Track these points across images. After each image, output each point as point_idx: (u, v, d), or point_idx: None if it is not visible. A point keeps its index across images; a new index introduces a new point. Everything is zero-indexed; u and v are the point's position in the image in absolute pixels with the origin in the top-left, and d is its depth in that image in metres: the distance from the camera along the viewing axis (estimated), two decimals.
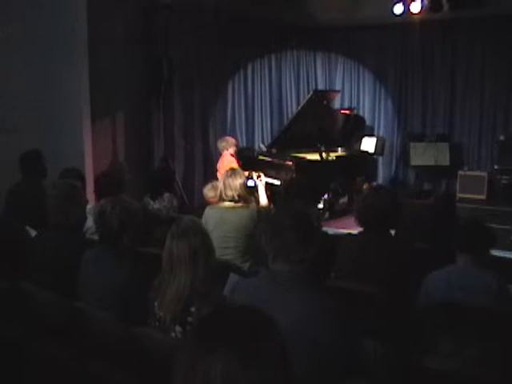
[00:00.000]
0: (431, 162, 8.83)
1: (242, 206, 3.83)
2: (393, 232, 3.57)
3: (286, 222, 2.01)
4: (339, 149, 7.88)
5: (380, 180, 9.31)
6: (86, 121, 5.94)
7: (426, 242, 3.68)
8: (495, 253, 3.14)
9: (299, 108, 7.72)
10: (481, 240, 2.82)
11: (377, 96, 9.73)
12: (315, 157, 7.20)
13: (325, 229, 4.34)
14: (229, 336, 1.02)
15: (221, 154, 6.89)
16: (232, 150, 6.76)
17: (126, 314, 2.33)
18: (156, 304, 2.32)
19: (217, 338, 1.02)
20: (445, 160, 8.81)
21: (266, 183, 4.66)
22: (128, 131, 6.87)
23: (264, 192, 4.44)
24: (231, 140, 6.90)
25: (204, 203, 4.58)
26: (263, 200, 4.43)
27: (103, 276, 2.56)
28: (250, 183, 4.08)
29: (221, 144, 6.85)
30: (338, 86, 9.86)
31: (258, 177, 4.38)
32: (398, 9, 7.86)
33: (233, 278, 3.33)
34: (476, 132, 9.03)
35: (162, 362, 2.00)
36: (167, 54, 6.91)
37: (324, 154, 7.16)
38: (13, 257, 3.00)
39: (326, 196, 7.27)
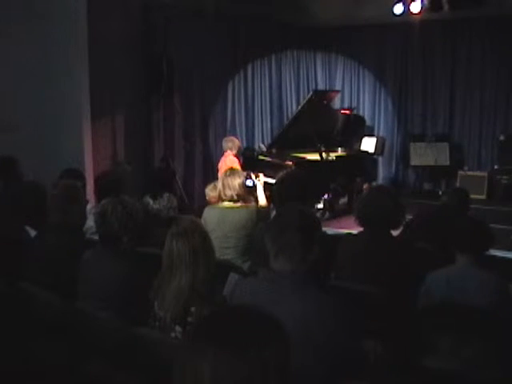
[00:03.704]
0: (431, 162, 8.83)
1: (241, 206, 3.82)
2: (397, 232, 3.56)
3: (292, 221, 2.01)
4: (339, 149, 7.88)
5: (380, 180, 9.30)
6: (85, 121, 5.94)
7: (436, 242, 3.65)
8: (495, 253, 3.14)
9: (299, 108, 7.71)
10: (480, 240, 2.82)
11: (377, 96, 9.72)
12: (315, 157, 7.20)
13: (325, 229, 4.34)
14: (219, 336, 1.02)
15: (222, 154, 6.88)
16: (235, 152, 6.75)
17: (126, 314, 2.33)
18: (156, 304, 2.32)
19: (207, 338, 1.02)
20: (445, 160, 8.80)
21: (265, 183, 4.65)
22: (128, 131, 6.87)
23: (262, 192, 4.44)
24: (237, 142, 6.88)
25: (204, 203, 4.58)
26: (262, 200, 4.42)
27: (103, 276, 2.57)
28: (249, 183, 4.07)
29: (226, 143, 6.80)
30: (337, 86, 9.85)
31: (257, 176, 4.38)
32: (398, 9, 7.86)
33: (233, 277, 3.33)
34: (476, 132, 9.03)
35: (162, 362, 2.00)
36: (167, 54, 6.90)
37: (324, 154, 7.15)
38: (12, 257, 3.00)
39: (325, 196, 7.27)
